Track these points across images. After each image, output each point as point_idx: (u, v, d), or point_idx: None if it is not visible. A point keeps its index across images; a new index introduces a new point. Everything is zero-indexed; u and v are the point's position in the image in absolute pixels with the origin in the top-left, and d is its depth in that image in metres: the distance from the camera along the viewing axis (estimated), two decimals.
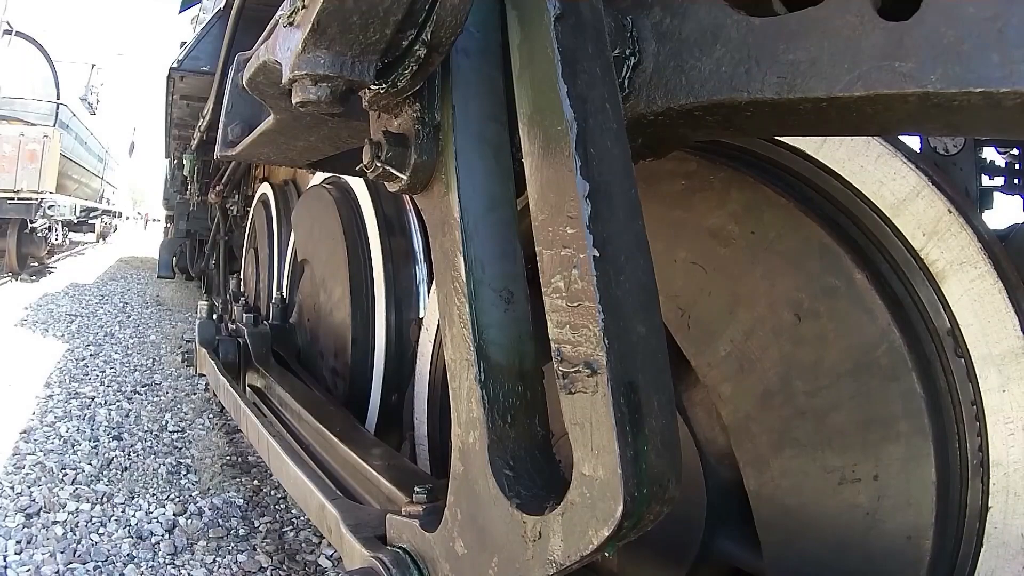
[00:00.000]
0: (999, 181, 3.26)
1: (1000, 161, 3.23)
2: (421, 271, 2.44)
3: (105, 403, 4.04)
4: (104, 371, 4.90)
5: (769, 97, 0.67)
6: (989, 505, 0.86)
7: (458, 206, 0.74)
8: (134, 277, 12.09)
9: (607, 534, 0.56)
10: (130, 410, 3.94)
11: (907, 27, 0.56)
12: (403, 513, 0.88)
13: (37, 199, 9.84)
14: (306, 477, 1.41)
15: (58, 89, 12.22)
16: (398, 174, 0.77)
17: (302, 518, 2.64)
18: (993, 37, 0.51)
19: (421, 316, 2.32)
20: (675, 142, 0.89)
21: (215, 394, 3.20)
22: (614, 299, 0.57)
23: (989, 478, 0.86)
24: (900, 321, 0.91)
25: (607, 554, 0.58)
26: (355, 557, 1.01)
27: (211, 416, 3.91)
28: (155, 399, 4.25)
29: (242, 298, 4.01)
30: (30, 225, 10.03)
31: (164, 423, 3.75)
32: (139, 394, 4.31)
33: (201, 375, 3.25)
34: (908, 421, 0.88)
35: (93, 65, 15.79)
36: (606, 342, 0.56)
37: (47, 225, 10.51)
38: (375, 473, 1.41)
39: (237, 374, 2.82)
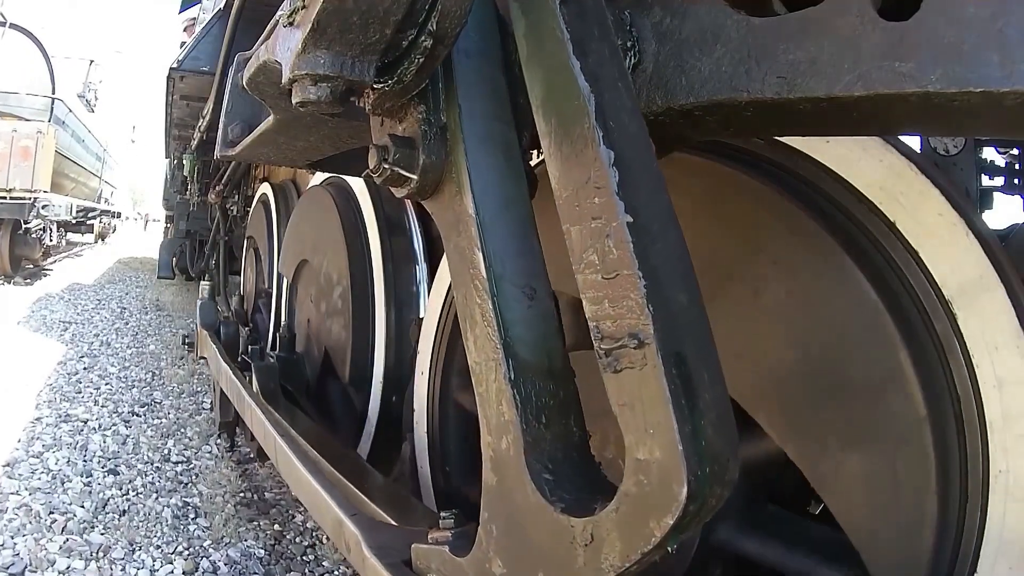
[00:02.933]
0: (999, 181, 3.26)
1: (1000, 161, 3.23)
2: (421, 271, 2.44)
3: (99, 427, 3.64)
4: (99, 388, 4.44)
5: (769, 97, 0.67)
6: (988, 509, 0.86)
7: (472, 204, 0.72)
8: (133, 280, 11.51)
9: (671, 523, 0.51)
10: (128, 436, 3.55)
11: (907, 27, 0.56)
12: (429, 540, 0.83)
13: (31, 199, 9.31)
14: (320, 487, 1.33)
15: (54, 84, 11.56)
16: (407, 175, 0.76)
17: (336, 573, 2.32)
18: (993, 37, 0.51)
19: (421, 316, 2.32)
20: (675, 142, 0.89)
21: (216, 383, 3.03)
22: (652, 267, 0.55)
23: (990, 480, 0.86)
24: (898, 319, 0.92)
25: (670, 549, 0.52)
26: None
27: (219, 441, 3.53)
28: (156, 421, 3.85)
29: (247, 328, 3.71)
30: (23, 226, 9.52)
31: (166, 452, 3.36)
32: (137, 415, 3.91)
33: (202, 358, 3.09)
34: (906, 421, 0.88)
35: (91, 61, 15.19)
36: (651, 309, 0.52)
37: (41, 226, 9.95)
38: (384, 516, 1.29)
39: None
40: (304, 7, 0.67)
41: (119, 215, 22.62)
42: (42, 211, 9.47)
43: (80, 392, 4.33)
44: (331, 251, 2.76)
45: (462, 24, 0.69)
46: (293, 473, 1.52)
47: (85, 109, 14.33)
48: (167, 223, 13.46)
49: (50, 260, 12.16)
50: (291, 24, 0.70)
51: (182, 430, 3.73)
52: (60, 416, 3.77)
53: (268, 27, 0.90)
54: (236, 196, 5.74)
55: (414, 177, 0.76)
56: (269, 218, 4.18)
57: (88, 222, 14.60)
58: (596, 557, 0.56)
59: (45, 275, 10.87)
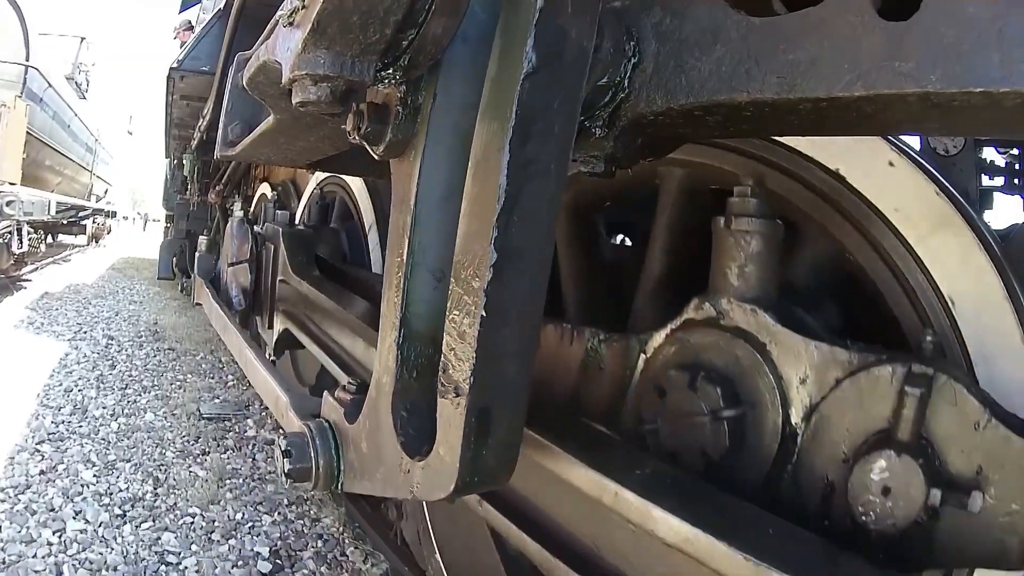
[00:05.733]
0: (999, 181, 3.25)
1: (1000, 161, 3.22)
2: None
3: None
4: (61, 526, 2.42)
5: (769, 97, 0.67)
6: None
7: (415, 192, 0.80)
8: (126, 292, 9.44)
9: (443, 496, 0.74)
10: None
11: (907, 27, 0.56)
12: (335, 397, 1.01)
13: None
14: (269, 375, 1.56)
15: (28, 50, 9.15)
16: (371, 149, 0.82)
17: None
18: (993, 37, 0.51)
19: None
20: (675, 142, 0.89)
21: (212, 325, 2.78)
22: (493, 347, 0.69)
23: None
24: (899, 321, 0.92)
25: (450, 502, 0.76)
26: (292, 426, 1.19)
27: None
28: None
29: (275, 192, 3.38)
30: None
31: None
32: None
33: (197, 304, 2.88)
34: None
35: (83, 39, 13.18)
36: (471, 380, 0.68)
37: (9, 228, 7.62)
38: None
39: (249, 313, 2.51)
40: (304, 7, 0.67)
41: (114, 215, 20.17)
42: (6, 208, 7.45)
43: (30, 538, 2.31)
44: None
45: (458, 25, 0.70)
46: (254, 372, 1.73)
47: (75, 93, 12.29)
48: (167, 223, 12.62)
49: (27, 269, 9.77)
50: (291, 24, 0.70)
51: None
52: None
53: (268, 27, 0.90)
54: (236, 196, 5.74)
55: (379, 151, 0.82)
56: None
57: (81, 222, 12.77)
58: (408, 483, 0.80)
59: (19, 288, 8.53)
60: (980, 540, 0.73)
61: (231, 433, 3.74)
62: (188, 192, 6.73)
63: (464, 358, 0.70)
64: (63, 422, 3.60)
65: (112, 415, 3.82)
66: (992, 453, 0.73)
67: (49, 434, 3.40)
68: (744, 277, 0.99)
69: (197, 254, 2.67)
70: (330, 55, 0.67)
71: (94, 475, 2.96)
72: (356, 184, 2.86)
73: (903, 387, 0.78)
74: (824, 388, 0.88)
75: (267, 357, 1.80)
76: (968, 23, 0.52)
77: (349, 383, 1.00)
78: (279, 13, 0.74)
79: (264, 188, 4.42)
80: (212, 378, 4.91)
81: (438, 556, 1.87)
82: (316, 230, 2.59)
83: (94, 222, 14.63)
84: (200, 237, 2.75)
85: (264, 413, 4.06)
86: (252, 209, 4.85)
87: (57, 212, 9.67)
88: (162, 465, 3.16)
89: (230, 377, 4.96)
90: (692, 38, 0.75)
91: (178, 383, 4.64)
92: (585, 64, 0.71)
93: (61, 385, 4.29)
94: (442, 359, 0.73)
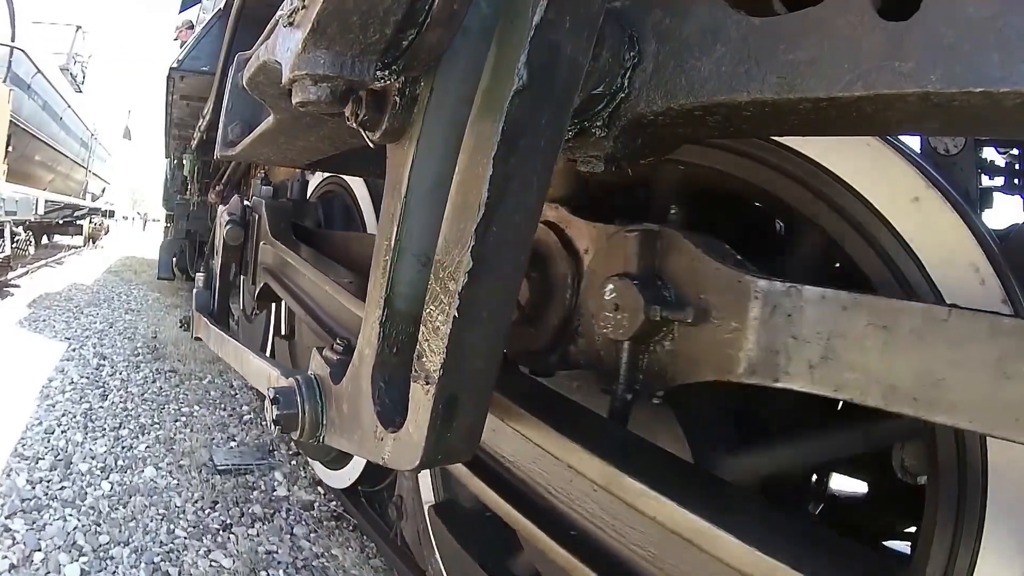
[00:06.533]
0: (999, 181, 3.25)
1: (1000, 161, 3.22)
2: None
3: None
4: None
5: (769, 97, 0.67)
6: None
7: (407, 181, 0.82)
8: (123, 298, 8.61)
9: (409, 468, 0.80)
10: None
11: (907, 27, 0.56)
12: (323, 355, 1.05)
13: None
14: (264, 362, 1.57)
15: (14, 30, 8.23)
16: (366, 135, 0.84)
17: None
18: (993, 37, 0.51)
19: None
20: (675, 142, 0.89)
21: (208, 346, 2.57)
22: (463, 344, 0.73)
23: (988, 483, 0.87)
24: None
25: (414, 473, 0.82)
26: (282, 383, 1.20)
27: None
28: None
29: (263, 173, 3.56)
30: None
31: None
32: None
33: (197, 338, 2.71)
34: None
35: (79, 27, 12.33)
36: (441, 372, 0.73)
37: None
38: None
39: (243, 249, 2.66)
40: (304, 7, 0.67)
41: (112, 214, 19.28)
42: None
43: None
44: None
45: (459, 25, 0.70)
46: (241, 359, 1.77)
47: (70, 85, 11.42)
48: (167, 223, 12.34)
49: (15, 274, 8.83)
50: (291, 24, 0.70)
51: None
52: None
53: (268, 27, 0.90)
54: (236, 196, 5.73)
55: (374, 138, 0.83)
56: None
57: (76, 222, 12.16)
58: (380, 450, 0.85)
59: (3, 296, 7.74)
60: (711, 353, 0.91)
61: (256, 492, 2.99)
62: (188, 192, 6.73)
63: (436, 351, 0.74)
64: (41, 481, 2.80)
65: (103, 470, 3.01)
66: (710, 283, 0.93)
67: (23, 500, 2.58)
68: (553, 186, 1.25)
69: (195, 290, 2.76)
70: (330, 55, 0.67)
71: (81, 569, 2.19)
72: (357, 184, 2.86)
73: (638, 239, 1.03)
74: (595, 251, 1.16)
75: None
76: (968, 23, 0.52)
77: (337, 343, 1.03)
78: (279, 13, 0.74)
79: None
80: (223, 409, 4.14)
81: (438, 556, 1.88)
82: (295, 203, 2.84)
83: (91, 222, 13.96)
84: (197, 274, 2.82)
85: (295, 462, 3.37)
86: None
87: (48, 211, 8.90)
88: (172, 551, 2.36)
89: (245, 408, 4.21)
90: (692, 38, 0.75)
91: (183, 419, 3.83)
92: (578, 79, 0.71)
93: (41, 424, 3.46)
94: (417, 347, 0.77)
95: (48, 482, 2.82)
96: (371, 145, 0.86)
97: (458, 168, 0.73)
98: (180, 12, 7.10)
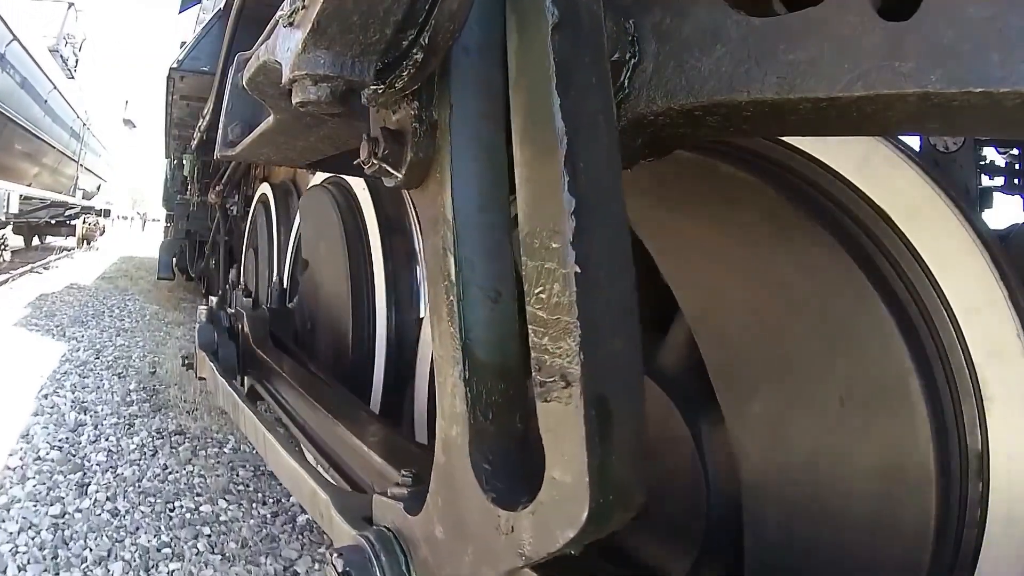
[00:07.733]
0: (999, 181, 3.25)
1: (1000, 161, 3.22)
2: (422, 270, 2.44)
3: None
4: None
5: (769, 97, 0.67)
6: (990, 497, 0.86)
7: (451, 206, 0.75)
8: (116, 312, 7.23)
9: (572, 535, 0.60)
10: None
11: (907, 27, 0.56)
12: (388, 495, 0.92)
13: None
14: (298, 465, 1.47)
15: None
16: (393, 172, 0.78)
17: None
18: (993, 37, 0.51)
19: (422, 316, 2.32)
20: (675, 142, 0.89)
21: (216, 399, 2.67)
22: (593, 315, 0.59)
23: (990, 472, 0.87)
24: (902, 324, 0.92)
25: (572, 552, 0.61)
26: (344, 537, 1.04)
27: None
28: None
29: (240, 285, 3.92)
30: None
31: None
32: None
33: (201, 378, 2.71)
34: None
35: (71, 5, 10.71)
36: (581, 356, 0.58)
37: None
38: (367, 449, 1.54)
39: (236, 368, 2.83)
40: (304, 7, 0.67)
41: (108, 213, 17.26)
42: None
43: None
44: (332, 252, 2.76)
45: (455, 37, 0.69)
46: (278, 461, 1.66)
47: (58, 66, 9.78)
48: (167, 223, 12.09)
49: None
50: (291, 24, 0.70)
51: None
52: None
53: (268, 27, 0.90)
54: (236, 196, 5.74)
55: (399, 175, 0.77)
56: (269, 218, 4.18)
57: (69, 222, 10.79)
58: (513, 545, 0.66)
59: None
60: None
61: None
62: (188, 192, 6.73)
63: (565, 333, 0.59)
64: None
65: None
66: None
67: None
68: None
69: (197, 325, 2.85)
70: (330, 55, 0.67)
71: None
72: (358, 184, 2.86)
73: None
74: None
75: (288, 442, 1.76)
76: (968, 23, 0.52)
77: (403, 474, 0.91)
78: (279, 13, 0.74)
79: (264, 188, 4.42)
80: (263, 504, 2.72)
81: None
82: (272, 311, 3.14)
83: (84, 222, 12.62)
84: (199, 307, 2.91)
85: None
86: (252, 210, 4.85)
87: (30, 210, 7.42)
88: None
89: (294, 503, 2.71)
90: (692, 38, 0.74)
91: (206, 529, 2.43)
92: (600, 26, 0.69)
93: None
94: (533, 356, 0.63)
95: None
96: (400, 189, 0.79)
97: (516, 131, 0.67)
98: (180, 12, 7.08)
